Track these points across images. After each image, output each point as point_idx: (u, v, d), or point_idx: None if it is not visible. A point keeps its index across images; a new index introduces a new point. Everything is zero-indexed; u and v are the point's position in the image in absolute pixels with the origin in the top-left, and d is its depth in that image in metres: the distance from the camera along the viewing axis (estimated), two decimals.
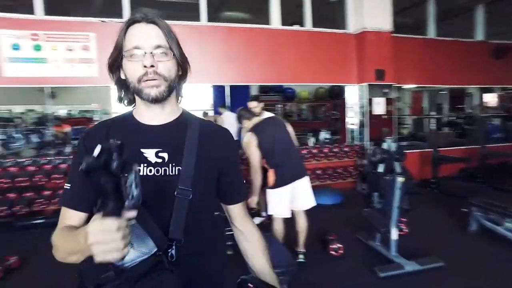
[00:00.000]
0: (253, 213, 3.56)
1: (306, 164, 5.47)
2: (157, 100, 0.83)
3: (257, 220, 3.36)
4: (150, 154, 0.84)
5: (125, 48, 0.82)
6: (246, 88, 6.76)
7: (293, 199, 3.03)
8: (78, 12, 4.96)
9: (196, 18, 5.38)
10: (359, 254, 3.31)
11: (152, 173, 0.83)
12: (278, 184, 2.95)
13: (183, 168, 0.83)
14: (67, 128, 7.28)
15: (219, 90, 6.64)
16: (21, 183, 4.21)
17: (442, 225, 4.07)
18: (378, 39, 5.82)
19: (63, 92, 7.48)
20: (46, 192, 4.34)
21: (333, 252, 3.23)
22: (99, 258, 0.59)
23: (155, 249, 0.71)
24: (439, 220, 4.25)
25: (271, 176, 2.98)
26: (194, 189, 0.82)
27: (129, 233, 0.62)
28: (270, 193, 3.02)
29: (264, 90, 8.30)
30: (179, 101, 0.94)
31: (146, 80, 0.81)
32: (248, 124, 3.12)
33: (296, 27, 5.91)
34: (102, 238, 0.59)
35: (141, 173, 0.82)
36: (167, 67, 0.82)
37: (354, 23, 6.01)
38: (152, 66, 0.79)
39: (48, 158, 4.52)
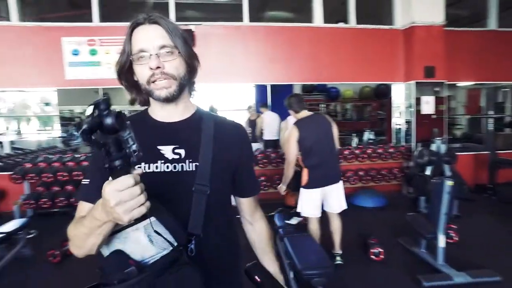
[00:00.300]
0: (291, 213, 3.54)
1: (348, 164, 5.42)
2: (169, 100, 0.85)
3: (295, 220, 3.33)
4: (167, 150, 0.86)
5: (132, 52, 0.83)
6: (288, 87, 6.72)
7: (325, 201, 3.00)
8: (130, 18, 5.29)
9: (239, 19, 5.46)
10: (401, 260, 3.14)
11: (170, 169, 0.85)
12: (310, 185, 2.92)
13: (200, 164, 0.85)
14: None
15: (261, 90, 6.68)
16: (78, 177, 4.60)
17: (499, 235, 3.71)
18: (428, 34, 5.46)
19: (116, 93, 8.02)
20: None
21: (373, 257, 3.11)
22: (125, 218, 0.61)
23: (175, 244, 0.71)
24: (495, 229, 3.89)
25: (305, 176, 2.94)
26: (211, 184, 0.84)
27: (144, 189, 0.63)
28: (302, 192, 3.00)
29: (307, 89, 8.20)
30: (191, 96, 0.95)
31: (155, 81, 0.82)
32: (295, 115, 3.01)
33: (339, 25, 5.75)
34: (122, 196, 0.59)
35: (158, 170, 0.84)
36: (174, 65, 0.83)
37: (401, 18, 5.70)
38: (158, 67, 0.80)
39: None
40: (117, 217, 0.62)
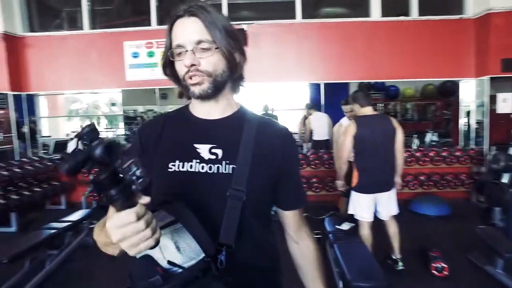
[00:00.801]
0: (343, 217, 3.36)
1: (407, 168, 4.99)
2: (203, 97, 0.80)
3: (346, 225, 3.13)
4: (203, 149, 0.81)
5: (171, 47, 0.80)
6: (343, 86, 6.44)
7: (376, 206, 2.81)
8: None
9: (292, 17, 5.36)
10: (469, 279, 2.77)
11: (205, 170, 0.78)
12: (359, 189, 2.75)
13: (237, 166, 0.78)
14: None
15: (315, 89, 6.48)
16: None
17: None
18: (508, 21, 4.80)
19: (173, 93, 8.42)
20: None
21: (435, 272, 2.79)
22: (132, 252, 0.56)
23: (203, 255, 0.66)
24: None
25: (354, 177, 2.77)
26: (249, 190, 0.76)
27: (152, 219, 0.57)
28: (353, 193, 2.83)
29: (363, 87, 7.78)
30: (236, 93, 0.88)
31: (190, 78, 0.78)
32: (360, 110, 2.80)
33: (399, 18, 5.34)
34: (124, 232, 0.54)
35: (192, 169, 0.79)
36: (211, 62, 0.77)
37: (474, 6, 5.11)
38: (192, 65, 0.76)
39: None
40: (123, 250, 0.58)
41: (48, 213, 4.88)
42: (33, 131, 5.78)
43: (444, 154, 5.00)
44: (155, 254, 0.65)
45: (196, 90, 0.78)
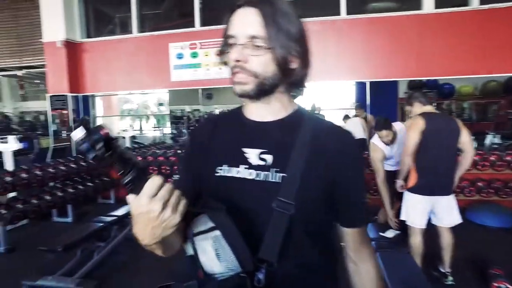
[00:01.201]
0: (387, 225, 3.15)
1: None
2: (243, 96, 0.73)
3: (391, 233, 2.93)
4: (252, 154, 0.74)
5: (224, 36, 0.73)
6: (392, 85, 6.08)
7: (434, 214, 2.59)
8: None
9: (337, 14, 5.17)
10: None
11: (252, 177, 0.72)
12: (417, 189, 2.54)
13: (287, 175, 0.69)
14: None
15: (361, 87, 6.20)
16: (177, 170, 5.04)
17: None
18: None
19: (218, 93, 8.62)
20: None
21: None
22: (157, 234, 0.58)
23: (239, 269, 0.62)
24: None
25: (413, 177, 2.56)
26: (298, 202, 0.67)
27: (171, 193, 0.56)
28: (407, 196, 2.62)
29: (414, 86, 7.28)
30: (295, 96, 0.79)
31: (235, 74, 0.71)
32: (420, 109, 2.66)
33: (456, 9, 4.91)
34: (147, 219, 0.56)
35: (238, 175, 0.73)
36: (261, 62, 0.69)
37: None
38: (238, 60, 0.69)
39: None
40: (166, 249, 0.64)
41: (99, 206, 5.21)
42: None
43: (508, 158, 4.50)
44: (200, 256, 0.64)
45: (237, 88, 0.72)
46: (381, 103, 5.56)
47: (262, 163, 0.72)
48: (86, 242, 3.12)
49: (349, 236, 0.81)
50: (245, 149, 0.74)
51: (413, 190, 2.57)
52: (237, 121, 0.80)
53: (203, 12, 5.50)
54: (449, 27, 4.82)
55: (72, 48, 5.75)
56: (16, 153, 4.90)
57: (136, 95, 8.76)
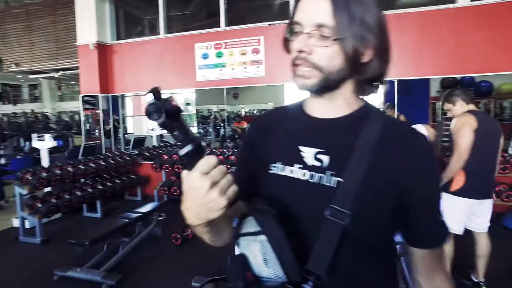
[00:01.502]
0: None
1: (500, 176, 4.25)
2: (311, 91, 0.67)
3: None
4: (308, 153, 0.67)
5: (291, 21, 0.66)
6: (423, 83, 5.81)
7: (472, 218, 2.46)
8: (253, 20, 5.57)
9: None
10: None
11: (305, 178, 0.65)
12: (462, 193, 2.39)
13: (345, 180, 0.62)
14: (245, 125, 8.52)
15: (391, 86, 5.96)
16: None
17: None
18: None
19: (245, 92, 8.65)
20: None
21: None
22: (202, 214, 0.56)
23: (284, 280, 0.58)
24: None
25: (459, 180, 2.40)
26: (355, 212, 0.60)
27: (222, 177, 0.55)
28: (446, 198, 2.47)
29: (447, 85, 6.91)
30: (363, 94, 0.71)
31: (296, 65, 0.65)
32: (464, 108, 2.52)
33: (496, 0, 4.60)
34: (194, 195, 0.55)
35: (292, 175, 0.67)
36: (327, 54, 0.62)
37: None
38: (301, 51, 0.62)
39: (221, 150, 5.32)
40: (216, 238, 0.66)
41: (126, 203, 5.39)
42: (116, 129, 6.45)
43: None
44: (250, 258, 0.61)
45: (298, 82, 0.65)
46: (412, 102, 5.33)
47: (317, 163, 0.66)
48: (112, 237, 3.22)
49: (420, 258, 0.69)
50: (301, 148, 0.68)
51: (457, 193, 2.40)
52: (296, 116, 0.74)
53: (228, 12, 5.53)
54: (486, 20, 4.52)
55: (103, 50, 5.98)
56: (52, 151, 5.18)
57: (164, 95, 8.97)
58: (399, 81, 5.01)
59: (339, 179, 0.62)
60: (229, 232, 0.67)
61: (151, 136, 7.22)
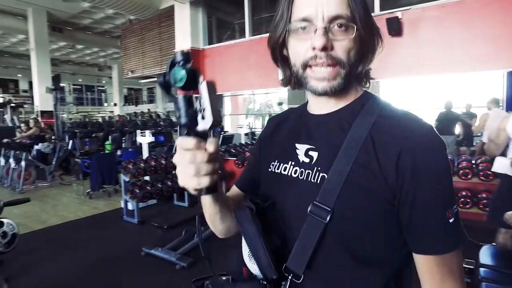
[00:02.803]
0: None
1: None
2: (327, 95, 0.61)
3: None
4: (301, 150, 0.66)
5: (292, 19, 0.60)
6: None
7: None
8: None
9: None
10: None
11: (296, 175, 0.65)
12: None
13: (329, 176, 0.59)
14: None
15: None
16: None
17: None
18: None
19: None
20: None
21: None
22: (179, 182, 0.56)
23: (261, 276, 0.60)
24: None
25: None
26: (337, 210, 0.57)
27: (207, 162, 0.53)
28: None
29: None
30: (363, 85, 0.67)
31: (316, 66, 0.58)
32: None
33: None
34: (178, 158, 0.55)
35: (285, 172, 0.67)
36: (347, 47, 0.57)
37: None
38: (325, 48, 0.56)
39: None
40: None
41: None
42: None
43: None
44: (244, 253, 0.64)
45: (321, 86, 0.59)
46: None
47: (307, 160, 0.64)
48: (189, 224, 3.57)
49: (423, 266, 0.58)
50: (297, 145, 0.68)
51: None
52: (300, 115, 0.73)
53: None
54: None
55: (196, 55, 6.62)
56: (156, 145, 5.99)
57: (259, 95, 9.38)
58: (509, 73, 4.18)
59: (324, 175, 0.60)
60: (231, 220, 0.69)
61: (246, 134, 7.61)
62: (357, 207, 0.56)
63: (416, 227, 0.56)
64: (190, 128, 0.54)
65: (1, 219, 2.01)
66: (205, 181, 0.54)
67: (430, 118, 5.45)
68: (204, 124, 0.53)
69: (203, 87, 0.52)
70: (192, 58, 0.53)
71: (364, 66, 0.62)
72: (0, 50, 16.38)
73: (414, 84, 5.29)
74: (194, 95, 0.54)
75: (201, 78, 0.53)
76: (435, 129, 0.58)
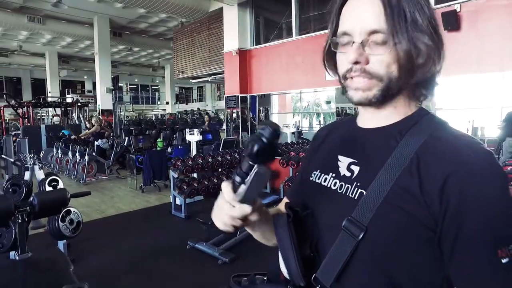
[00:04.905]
0: None
1: None
2: (362, 104, 0.63)
3: None
4: (343, 163, 0.66)
5: (337, 31, 0.62)
6: None
7: None
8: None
9: None
10: None
11: (336, 187, 0.65)
12: None
13: (367, 193, 0.58)
14: None
15: None
16: None
17: None
18: None
19: None
20: None
21: None
22: (216, 223, 0.61)
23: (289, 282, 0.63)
24: None
25: None
26: (370, 228, 0.55)
27: (236, 217, 0.57)
28: None
29: None
30: (419, 100, 0.64)
31: (352, 78, 0.60)
32: None
33: None
34: (218, 199, 0.60)
35: (325, 183, 0.68)
36: (385, 61, 0.57)
37: None
38: (357, 62, 0.58)
39: None
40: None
41: None
42: (253, 125, 7.15)
43: None
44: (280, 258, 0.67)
45: (356, 96, 0.61)
46: None
47: (348, 174, 0.64)
48: None
49: None
50: (340, 157, 0.68)
51: None
52: (347, 127, 0.73)
53: None
54: None
55: (243, 55, 6.74)
56: (204, 143, 6.22)
57: (307, 93, 9.32)
58: None
59: (363, 191, 0.59)
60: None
61: (292, 133, 7.60)
62: (391, 229, 0.55)
63: (458, 262, 0.52)
64: (236, 182, 0.57)
65: (69, 208, 2.27)
66: (229, 229, 0.59)
67: (494, 118, 4.99)
68: (238, 193, 0.56)
69: (253, 171, 0.55)
70: (280, 135, 0.55)
71: (414, 81, 0.60)
72: (70, 55, 18.40)
73: (474, 82, 4.85)
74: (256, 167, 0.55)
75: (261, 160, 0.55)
76: (494, 156, 0.53)
